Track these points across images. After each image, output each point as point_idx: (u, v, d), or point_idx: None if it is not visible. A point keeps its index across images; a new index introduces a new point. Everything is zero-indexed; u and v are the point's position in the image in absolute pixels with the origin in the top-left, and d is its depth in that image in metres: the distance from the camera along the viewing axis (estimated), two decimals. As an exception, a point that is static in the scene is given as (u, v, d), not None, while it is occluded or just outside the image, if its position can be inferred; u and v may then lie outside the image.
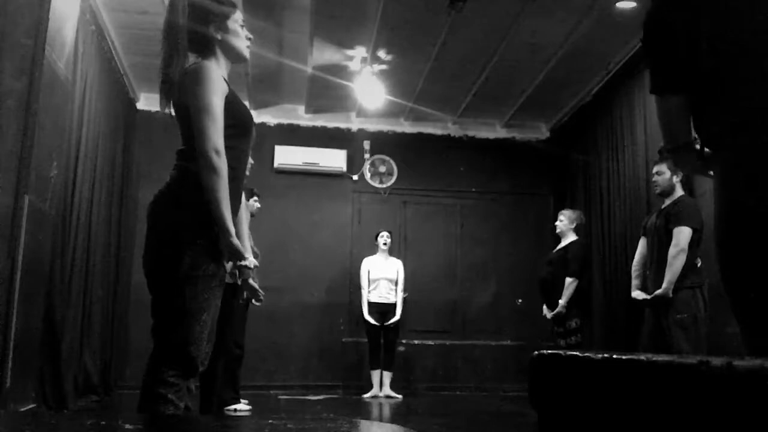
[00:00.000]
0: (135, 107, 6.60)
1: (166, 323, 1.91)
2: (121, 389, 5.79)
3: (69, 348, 4.53)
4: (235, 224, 1.98)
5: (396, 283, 6.26)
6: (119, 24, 5.22)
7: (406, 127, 7.33)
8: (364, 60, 5.83)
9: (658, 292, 3.73)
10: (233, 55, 2.12)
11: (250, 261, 2.04)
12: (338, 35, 5.43)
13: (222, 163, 1.88)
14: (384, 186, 7.26)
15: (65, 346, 4.40)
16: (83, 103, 4.72)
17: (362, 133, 7.27)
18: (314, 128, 7.08)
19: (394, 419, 4.66)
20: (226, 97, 1.98)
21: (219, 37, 2.05)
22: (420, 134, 7.34)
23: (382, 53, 5.71)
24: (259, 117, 6.93)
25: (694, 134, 1.44)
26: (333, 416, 4.38)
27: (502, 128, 7.39)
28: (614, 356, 0.79)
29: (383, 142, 7.28)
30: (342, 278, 6.85)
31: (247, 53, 2.16)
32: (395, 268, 6.32)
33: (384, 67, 5.93)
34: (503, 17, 5.03)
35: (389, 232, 6.43)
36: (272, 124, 6.91)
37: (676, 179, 3.89)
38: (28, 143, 3.07)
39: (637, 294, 4.00)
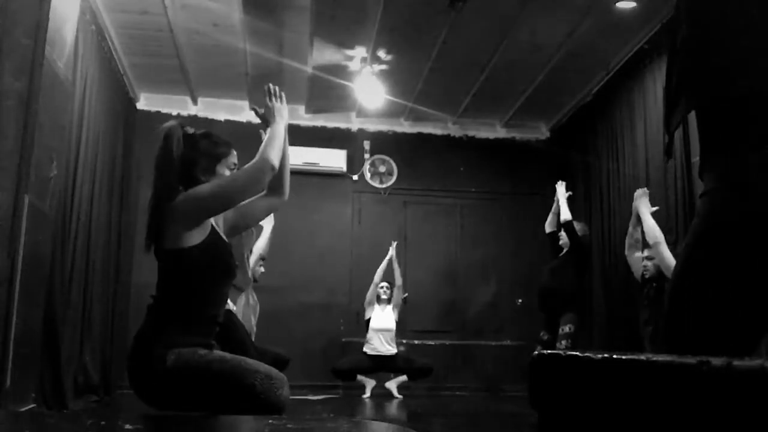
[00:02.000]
0: (135, 107, 6.60)
1: (231, 401, 1.82)
2: (121, 389, 5.78)
3: (69, 348, 4.53)
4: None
5: (395, 334, 6.19)
6: (119, 24, 5.22)
7: (406, 127, 7.33)
8: (364, 60, 5.83)
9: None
10: None
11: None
12: (338, 35, 5.43)
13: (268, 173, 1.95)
14: (384, 186, 7.26)
15: (65, 346, 4.40)
16: (83, 103, 4.72)
17: (362, 133, 7.27)
18: (314, 128, 7.08)
19: (394, 419, 4.66)
20: (208, 237, 1.93)
21: (203, 179, 1.98)
22: (420, 134, 7.34)
23: (382, 53, 5.71)
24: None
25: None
26: (333, 416, 4.38)
27: (502, 128, 7.39)
28: (614, 356, 0.79)
29: (383, 142, 7.28)
30: (342, 278, 6.85)
31: None
32: (394, 317, 6.24)
33: (384, 67, 5.93)
34: (503, 17, 5.03)
35: (389, 283, 6.32)
36: (272, 124, 6.91)
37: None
38: (28, 143, 3.07)
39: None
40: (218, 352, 1.89)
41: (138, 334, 1.91)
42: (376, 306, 6.27)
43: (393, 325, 6.18)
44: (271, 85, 2.12)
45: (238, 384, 1.80)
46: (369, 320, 6.22)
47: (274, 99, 2.09)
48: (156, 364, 1.80)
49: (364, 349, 6.16)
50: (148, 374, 1.82)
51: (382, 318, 6.20)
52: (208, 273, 1.92)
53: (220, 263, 1.96)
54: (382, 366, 6.10)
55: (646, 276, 3.97)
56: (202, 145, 2.02)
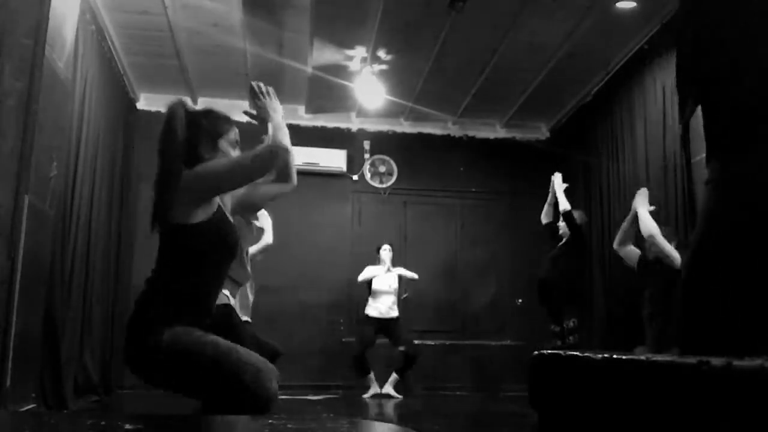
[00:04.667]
0: (135, 107, 6.60)
1: (217, 389, 1.81)
2: (121, 389, 5.78)
3: (69, 348, 4.53)
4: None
5: (398, 295, 6.25)
6: (119, 24, 5.22)
7: (406, 127, 7.32)
8: (364, 60, 5.83)
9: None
10: None
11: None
12: (338, 35, 5.43)
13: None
14: (384, 186, 7.26)
15: (65, 346, 4.40)
16: (83, 103, 4.72)
17: (362, 133, 7.27)
18: (314, 128, 7.08)
19: (394, 419, 4.66)
20: (215, 215, 1.93)
21: (207, 156, 1.98)
22: (420, 134, 7.34)
23: (382, 53, 5.71)
24: (259, 117, 6.93)
25: None
26: (333, 416, 4.38)
27: (502, 128, 7.39)
28: (614, 356, 0.79)
29: (383, 142, 7.28)
30: (342, 278, 6.84)
31: None
32: (397, 274, 6.29)
33: (384, 67, 5.93)
34: (503, 17, 5.03)
35: (390, 245, 6.38)
36: (272, 124, 6.91)
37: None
38: (28, 143, 3.07)
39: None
40: (213, 336, 1.87)
41: (136, 306, 1.91)
42: (379, 267, 6.31)
43: (396, 286, 6.25)
44: (254, 84, 2.10)
45: (228, 371, 1.79)
46: (371, 283, 6.26)
47: (262, 97, 2.08)
48: (151, 339, 1.79)
49: (367, 311, 6.19)
50: (142, 348, 1.82)
51: (386, 280, 6.24)
52: (212, 250, 1.93)
53: (224, 241, 1.96)
54: (384, 329, 6.12)
55: (649, 257, 4.04)
56: (204, 123, 2.02)
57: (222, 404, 1.80)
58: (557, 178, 5.11)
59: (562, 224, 5.10)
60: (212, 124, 2.04)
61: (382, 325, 6.14)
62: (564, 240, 5.04)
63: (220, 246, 1.94)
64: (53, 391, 4.20)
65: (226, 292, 3.82)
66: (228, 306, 3.79)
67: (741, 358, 0.66)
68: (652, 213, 4.05)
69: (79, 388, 4.79)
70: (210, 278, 1.95)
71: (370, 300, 6.22)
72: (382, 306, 6.16)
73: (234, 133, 2.08)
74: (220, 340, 1.86)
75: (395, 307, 6.21)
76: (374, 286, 6.24)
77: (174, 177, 1.88)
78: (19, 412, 2.91)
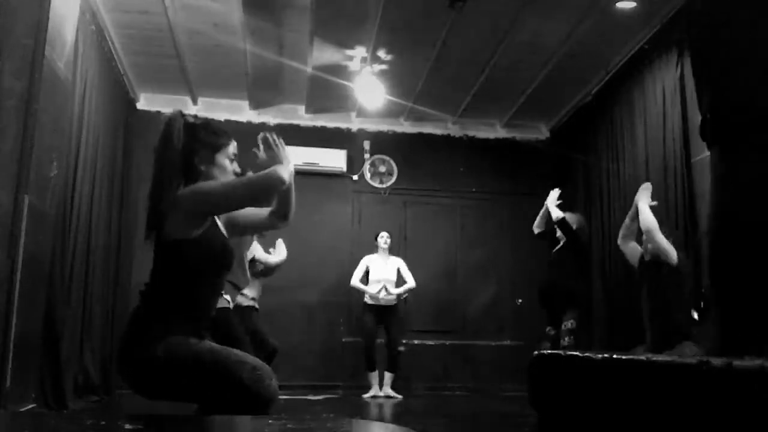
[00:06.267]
0: (135, 107, 6.60)
1: (217, 393, 1.81)
2: (121, 389, 5.78)
3: (69, 348, 4.53)
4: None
5: (396, 285, 6.26)
6: (119, 24, 5.22)
7: (406, 127, 7.32)
8: (364, 60, 5.83)
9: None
10: None
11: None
12: (338, 35, 5.43)
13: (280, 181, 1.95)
14: (384, 186, 7.26)
15: (65, 346, 4.40)
16: (83, 103, 4.72)
17: (362, 133, 7.27)
18: (314, 128, 7.08)
19: (394, 419, 4.66)
20: (208, 230, 1.93)
21: (203, 168, 1.99)
22: (420, 134, 7.34)
23: (382, 53, 5.71)
24: (259, 117, 6.93)
25: None
26: (333, 416, 4.38)
27: (502, 128, 7.39)
28: (614, 356, 0.79)
29: (383, 142, 7.28)
30: (342, 278, 6.83)
31: None
32: (395, 267, 6.32)
33: (384, 67, 5.93)
34: (503, 17, 5.03)
35: (389, 233, 6.42)
36: (272, 124, 6.91)
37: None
38: (28, 143, 3.07)
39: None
40: (208, 343, 1.88)
41: (130, 321, 1.91)
42: (377, 256, 6.32)
43: (393, 276, 6.25)
44: (266, 135, 2.07)
45: (226, 375, 1.79)
46: (368, 272, 6.27)
47: (274, 148, 2.07)
48: (146, 351, 1.80)
49: (365, 300, 6.20)
50: (137, 361, 1.82)
51: (383, 268, 6.25)
52: (206, 264, 1.93)
53: (217, 255, 1.96)
54: (383, 317, 6.12)
55: (646, 258, 4.04)
56: (202, 135, 2.02)
57: (223, 406, 1.80)
58: (554, 193, 5.14)
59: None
60: (210, 136, 2.03)
61: (381, 312, 6.14)
62: (561, 244, 5.06)
63: (214, 260, 1.94)
64: (53, 391, 4.20)
65: (226, 296, 3.83)
66: (226, 310, 3.80)
67: (741, 358, 0.66)
68: (652, 208, 4.06)
69: (79, 388, 4.79)
70: (206, 291, 1.96)
71: (368, 287, 6.22)
72: (381, 293, 6.17)
73: (232, 147, 2.07)
74: (215, 345, 1.87)
75: (392, 295, 6.21)
76: (372, 275, 6.24)
77: (168, 189, 1.89)
78: (19, 412, 2.91)
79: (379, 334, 6.17)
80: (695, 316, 3.84)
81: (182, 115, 2.00)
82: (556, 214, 4.97)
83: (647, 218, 3.93)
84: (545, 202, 5.13)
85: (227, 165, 2.04)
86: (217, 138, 2.05)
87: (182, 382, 1.82)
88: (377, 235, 6.37)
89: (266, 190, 1.99)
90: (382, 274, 6.23)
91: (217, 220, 2.02)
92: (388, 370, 6.11)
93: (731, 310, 1.28)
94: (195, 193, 1.91)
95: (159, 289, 1.91)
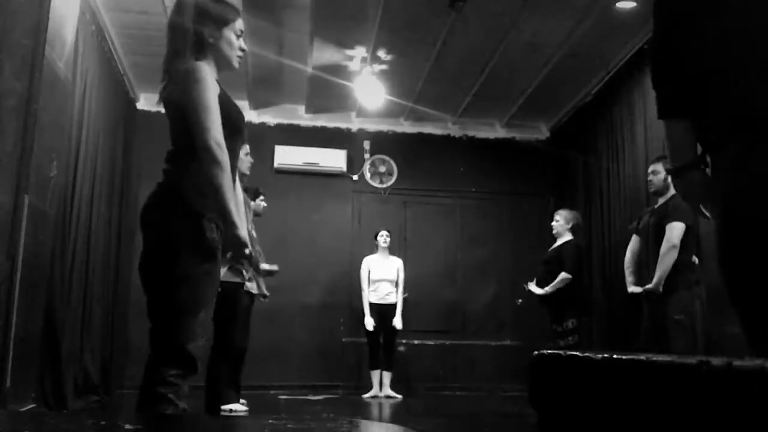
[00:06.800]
0: (135, 107, 6.60)
1: (163, 323, 1.93)
2: (121, 389, 5.78)
3: (69, 348, 4.53)
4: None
5: (396, 284, 6.26)
6: (119, 24, 5.22)
7: (406, 127, 7.32)
8: (364, 60, 5.83)
9: (649, 287, 3.82)
10: (222, 62, 2.11)
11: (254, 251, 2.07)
12: (338, 35, 5.43)
13: (224, 156, 1.91)
14: (384, 186, 7.26)
15: (65, 346, 4.40)
16: (83, 103, 4.72)
17: (362, 133, 7.27)
18: (314, 128, 7.08)
19: (394, 419, 4.66)
20: (219, 97, 2.00)
21: (211, 41, 2.06)
22: (420, 134, 7.34)
23: (382, 53, 5.71)
24: (259, 117, 6.93)
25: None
26: (333, 416, 4.38)
27: (502, 128, 7.39)
28: (614, 356, 0.79)
29: (383, 142, 7.28)
30: (342, 278, 6.84)
31: (236, 63, 2.14)
32: (395, 267, 6.32)
33: (384, 67, 5.93)
34: (503, 17, 5.03)
35: (389, 231, 6.42)
36: (272, 124, 6.91)
37: (670, 179, 3.94)
38: (28, 143, 3.07)
39: (634, 289, 4.08)
40: (209, 289, 1.96)
41: (156, 194, 2.00)
42: (377, 255, 6.31)
43: (394, 276, 6.25)
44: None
45: (183, 324, 1.89)
46: (369, 272, 6.26)
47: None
48: (164, 261, 1.92)
49: (370, 299, 6.17)
50: (173, 218, 1.92)
51: (383, 268, 6.25)
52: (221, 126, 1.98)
53: (229, 120, 2.00)
54: (383, 316, 6.11)
55: (651, 190, 4.14)
56: (212, 8, 2.08)
57: (159, 340, 1.91)
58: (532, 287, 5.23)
59: (554, 223, 5.21)
60: (219, 10, 2.09)
61: (382, 310, 6.13)
62: (559, 242, 5.12)
63: (225, 123, 1.98)
64: (53, 391, 4.20)
65: (246, 274, 3.92)
66: (241, 285, 3.89)
67: (741, 358, 0.66)
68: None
69: (79, 388, 4.79)
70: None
71: (369, 288, 6.22)
72: (380, 292, 6.18)
73: (239, 23, 2.13)
74: (209, 294, 1.95)
75: (393, 293, 6.22)
76: (372, 275, 6.24)
77: (181, 56, 2.00)
78: (19, 412, 2.90)
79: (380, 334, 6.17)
80: (695, 260, 3.86)
81: None
82: (543, 291, 5.07)
83: (678, 232, 3.84)
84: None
85: (234, 40, 2.10)
86: (226, 12, 2.11)
87: (165, 291, 1.92)
88: (377, 234, 6.37)
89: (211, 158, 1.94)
90: (383, 273, 6.23)
91: (229, 94, 2.09)
92: (386, 369, 6.10)
93: (749, 311, 1.28)
94: (188, 100, 1.94)
95: (180, 151, 1.99)
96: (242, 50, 2.14)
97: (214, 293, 1.99)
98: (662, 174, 3.96)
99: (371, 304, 6.17)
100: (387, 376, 6.08)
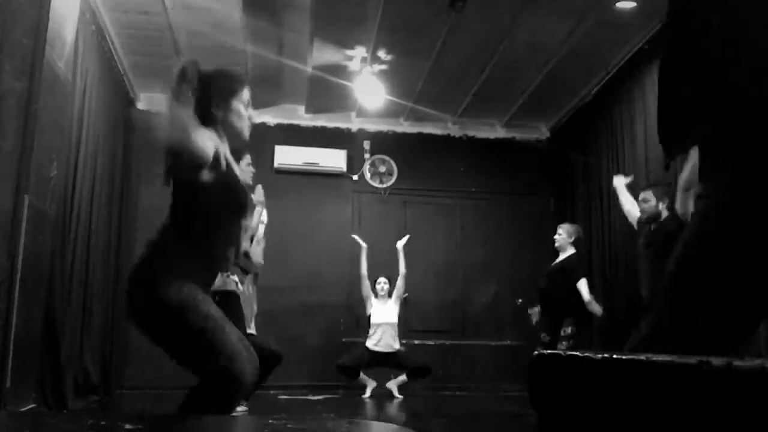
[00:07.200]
0: (135, 107, 6.59)
1: (191, 357, 1.84)
2: (121, 389, 5.78)
3: (69, 348, 4.53)
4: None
5: (398, 327, 6.13)
6: (119, 24, 5.22)
7: (406, 127, 7.32)
8: (364, 60, 5.83)
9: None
10: (232, 134, 2.06)
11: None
12: (338, 35, 5.43)
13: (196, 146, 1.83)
14: (384, 186, 7.26)
15: (65, 346, 4.40)
16: (83, 103, 4.72)
17: (362, 133, 7.27)
18: (314, 128, 7.08)
19: (394, 419, 4.66)
20: (224, 175, 1.93)
21: (219, 115, 2.01)
22: (420, 134, 7.34)
23: (382, 53, 5.71)
24: (259, 117, 6.91)
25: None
26: (333, 416, 4.38)
27: (502, 128, 7.39)
28: (614, 356, 0.79)
29: (383, 142, 7.28)
30: (342, 278, 6.84)
31: (246, 134, 2.09)
32: (396, 309, 6.18)
33: (384, 67, 5.93)
34: (503, 17, 5.03)
35: (387, 279, 6.24)
36: (272, 124, 6.91)
37: (662, 206, 4.12)
38: (28, 143, 3.07)
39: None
40: (215, 308, 1.88)
41: (147, 253, 1.92)
42: (376, 300, 6.22)
43: (395, 319, 6.12)
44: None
45: (207, 343, 1.79)
46: (370, 316, 6.18)
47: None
48: (159, 288, 1.82)
49: (366, 344, 6.08)
50: (149, 294, 1.84)
51: (383, 312, 6.14)
52: (220, 207, 1.94)
53: (232, 200, 1.97)
54: (383, 362, 6.04)
55: (643, 218, 4.22)
56: (217, 83, 2.03)
57: (194, 369, 1.81)
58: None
59: (557, 237, 5.23)
60: (224, 82, 2.05)
61: (382, 357, 6.02)
62: (563, 256, 5.14)
63: (229, 203, 1.96)
64: (53, 391, 4.20)
65: (234, 278, 3.85)
66: (234, 294, 3.84)
67: (741, 358, 0.66)
68: (629, 184, 4.56)
69: (79, 388, 4.79)
70: (219, 234, 1.96)
71: (370, 331, 6.10)
72: (382, 339, 6.03)
73: (246, 93, 2.09)
74: (219, 314, 1.87)
75: (397, 338, 6.09)
76: (373, 318, 6.12)
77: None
78: (19, 412, 2.91)
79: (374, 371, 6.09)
80: None
81: (196, 63, 2.01)
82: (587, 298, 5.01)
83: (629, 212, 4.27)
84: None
85: (242, 111, 2.06)
86: (231, 84, 2.07)
87: (171, 329, 1.83)
88: (375, 281, 6.22)
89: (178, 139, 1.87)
90: (384, 317, 6.10)
91: (234, 167, 2.03)
92: (409, 376, 6.01)
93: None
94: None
95: (176, 229, 1.93)
96: (251, 119, 2.08)
97: (218, 310, 1.91)
98: (653, 201, 4.12)
99: (370, 351, 6.03)
100: (402, 378, 6.04)
